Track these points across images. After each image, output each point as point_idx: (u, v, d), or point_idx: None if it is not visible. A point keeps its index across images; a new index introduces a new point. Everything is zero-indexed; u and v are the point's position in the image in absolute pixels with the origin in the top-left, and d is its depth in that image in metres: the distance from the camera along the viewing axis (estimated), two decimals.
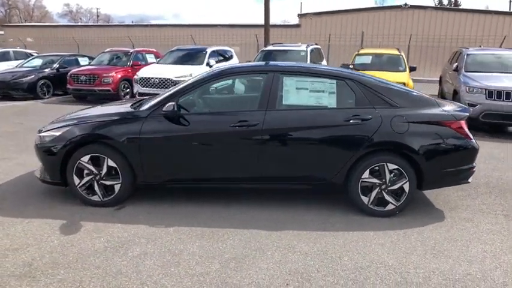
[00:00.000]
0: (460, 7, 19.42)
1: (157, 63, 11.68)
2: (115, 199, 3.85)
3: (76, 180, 3.82)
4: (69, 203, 3.92)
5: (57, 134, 3.82)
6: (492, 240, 3.33)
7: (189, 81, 3.95)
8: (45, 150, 3.86)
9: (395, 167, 3.62)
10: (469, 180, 3.80)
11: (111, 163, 3.75)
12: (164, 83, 10.06)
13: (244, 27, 20.62)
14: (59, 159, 3.79)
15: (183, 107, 3.74)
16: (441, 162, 3.64)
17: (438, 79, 11.79)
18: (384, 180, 3.65)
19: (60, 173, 3.84)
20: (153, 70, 10.61)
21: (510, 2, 31.86)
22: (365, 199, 3.70)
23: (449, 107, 3.81)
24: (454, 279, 2.74)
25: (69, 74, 11.60)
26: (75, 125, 3.83)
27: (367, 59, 10.34)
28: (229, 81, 4.33)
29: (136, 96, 10.52)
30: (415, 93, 3.91)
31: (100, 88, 11.21)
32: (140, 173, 3.77)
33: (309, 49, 10.85)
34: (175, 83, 9.98)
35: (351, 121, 3.60)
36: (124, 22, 40.84)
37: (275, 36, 17.85)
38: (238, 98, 4.13)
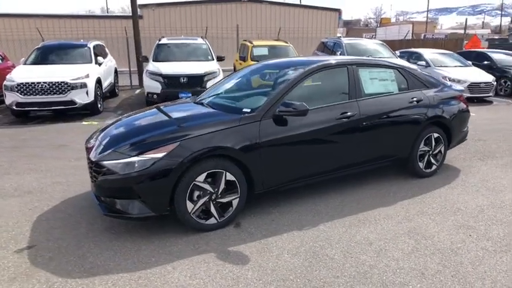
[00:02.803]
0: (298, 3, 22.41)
1: (26, 63, 9.30)
2: (232, 216, 3.47)
3: (189, 206, 3.24)
4: (175, 234, 3.29)
5: (161, 155, 3.10)
6: (504, 174, 4.79)
7: (291, 78, 3.82)
8: (146, 178, 3.07)
9: (437, 135, 4.64)
10: (467, 138, 5.20)
11: (230, 177, 3.35)
12: (57, 88, 8.23)
13: (103, 18, 18.05)
14: (169, 185, 3.12)
15: None
16: (459, 126, 4.88)
17: None
18: (431, 147, 4.62)
19: (170, 201, 3.17)
20: (34, 73, 8.44)
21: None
22: (421, 165, 4.60)
23: (450, 85, 5.07)
24: None
25: None
26: (182, 140, 3.19)
27: (265, 51, 11.22)
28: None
29: (14, 107, 8.23)
30: (432, 76, 4.99)
31: None
32: (259, 181, 3.52)
33: (206, 41, 10.93)
34: (72, 87, 8.37)
35: (414, 103, 4.38)
36: None
37: (118, 28, 16.51)
38: (321, 90, 4.16)
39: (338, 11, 22.38)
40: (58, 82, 8.28)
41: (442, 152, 4.76)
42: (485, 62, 11.93)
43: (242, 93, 4.35)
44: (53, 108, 8.44)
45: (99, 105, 9.20)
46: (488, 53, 12.36)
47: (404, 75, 4.52)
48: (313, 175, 3.88)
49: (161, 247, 3.13)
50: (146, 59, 10.42)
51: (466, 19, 21.46)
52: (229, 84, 4.67)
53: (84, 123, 8.17)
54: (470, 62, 11.36)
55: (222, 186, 3.34)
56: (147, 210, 3.16)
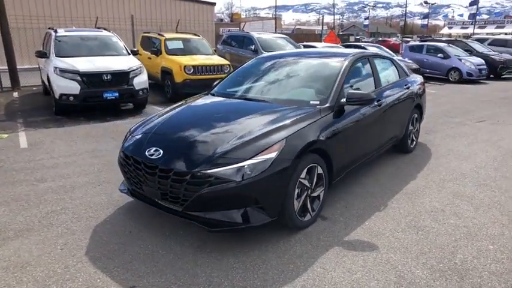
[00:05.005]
0: None
1: None
2: (320, 209, 3.46)
3: (296, 204, 3.11)
4: (276, 237, 3.12)
5: (273, 154, 2.87)
6: (456, 143, 5.98)
7: (341, 68, 3.91)
8: (264, 181, 2.79)
9: (416, 116, 5.48)
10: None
11: (320, 170, 3.34)
12: None
13: None
14: (285, 185, 2.94)
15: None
16: (424, 106, 5.84)
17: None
18: (413, 125, 5.44)
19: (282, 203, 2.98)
20: None
21: None
22: (410, 142, 5.37)
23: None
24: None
25: None
26: (287, 136, 3.00)
27: (179, 44, 10.66)
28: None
29: None
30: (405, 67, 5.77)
31: None
32: (337, 170, 3.59)
33: (115, 34, 9.76)
34: None
35: (407, 89, 5.07)
36: None
37: None
38: (356, 80, 4.29)
39: (214, 4, 22.61)
40: None
41: (418, 130, 5.65)
42: None
43: (276, 86, 4.20)
44: None
45: None
46: (364, 45, 14.64)
47: (395, 65, 5.18)
48: (363, 156, 4.15)
49: (283, 252, 2.93)
50: (44, 55, 8.65)
51: (323, 16, 24.64)
52: (245, 78, 4.47)
53: None
54: None
55: (315, 180, 3.30)
56: (264, 216, 2.89)
